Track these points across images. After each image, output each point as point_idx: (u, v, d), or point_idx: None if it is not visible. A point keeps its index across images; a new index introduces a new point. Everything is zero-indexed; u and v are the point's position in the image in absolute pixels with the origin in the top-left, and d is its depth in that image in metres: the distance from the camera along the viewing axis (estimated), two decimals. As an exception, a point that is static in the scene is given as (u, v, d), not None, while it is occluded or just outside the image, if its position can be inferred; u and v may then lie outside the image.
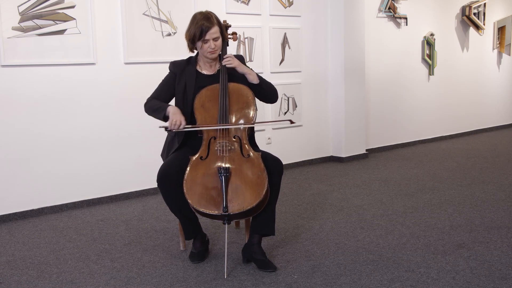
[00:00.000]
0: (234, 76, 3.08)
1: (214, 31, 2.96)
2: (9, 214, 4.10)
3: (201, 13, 3.02)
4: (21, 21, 4.02)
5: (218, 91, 3.00)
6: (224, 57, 3.05)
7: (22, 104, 4.11)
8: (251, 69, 3.11)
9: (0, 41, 3.94)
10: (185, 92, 3.06)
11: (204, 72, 3.12)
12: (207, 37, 2.95)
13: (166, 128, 2.92)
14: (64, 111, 4.30)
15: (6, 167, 4.08)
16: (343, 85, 6.03)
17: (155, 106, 3.02)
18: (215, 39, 2.97)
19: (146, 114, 3.11)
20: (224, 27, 3.09)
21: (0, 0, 3.93)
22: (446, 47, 7.65)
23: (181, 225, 3.15)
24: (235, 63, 3.04)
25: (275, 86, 3.20)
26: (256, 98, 3.08)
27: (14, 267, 3.10)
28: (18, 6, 4.00)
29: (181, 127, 2.89)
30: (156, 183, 2.93)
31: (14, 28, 4.00)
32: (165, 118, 2.95)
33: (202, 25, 2.93)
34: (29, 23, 4.06)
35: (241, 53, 5.30)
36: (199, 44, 3.00)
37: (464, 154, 6.49)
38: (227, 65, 3.03)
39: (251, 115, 3.00)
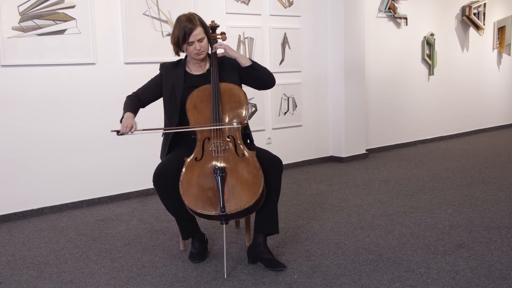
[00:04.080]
0: (225, 75, 3.08)
1: (198, 33, 2.95)
2: (9, 214, 4.10)
3: (183, 15, 3.01)
4: (21, 21, 4.02)
5: (209, 92, 3.00)
6: (214, 45, 3.08)
7: (22, 104, 4.11)
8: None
9: (0, 41, 3.94)
10: (173, 93, 3.06)
11: (194, 72, 3.12)
12: (191, 39, 2.94)
13: (117, 132, 2.89)
14: (64, 111, 4.30)
15: (6, 167, 4.08)
16: (343, 85, 6.04)
17: (124, 106, 3.04)
18: (199, 40, 2.97)
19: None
20: (208, 27, 3.08)
21: (0, 0, 3.93)
22: (446, 47, 7.65)
23: (178, 225, 3.15)
24: (224, 46, 3.07)
25: (275, 87, 3.20)
26: (255, 88, 3.12)
27: (14, 267, 3.10)
28: (18, 6, 4.00)
29: (132, 130, 2.87)
30: (152, 183, 2.93)
31: (14, 28, 4.00)
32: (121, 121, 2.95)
33: (185, 27, 2.92)
34: (29, 23, 4.06)
35: (241, 53, 5.30)
36: (184, 47, 3.00)
37: (464, 154, 6.49)
38: (215, 49, 3.06)
39: (243, 114, 3.00)
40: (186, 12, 3.12)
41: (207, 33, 3.02)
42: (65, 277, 2.92)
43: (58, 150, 4.30)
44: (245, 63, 3.07)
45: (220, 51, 3.10)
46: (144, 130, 2.94)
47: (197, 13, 3.09)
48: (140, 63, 4.63)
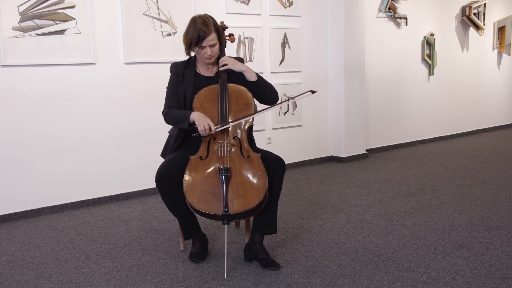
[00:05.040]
0: (233, 77, 3.08)
1: (211, 38, 2.94)
2: (9, 214, 4.10)
3: (199, 17, 2.98)
4: (21, 21, 4.02)
5: (217, 92, 3.00)
6: (219, 61, 3.05)
7: (22, 104, 4.11)
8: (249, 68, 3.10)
9: (0, 41, 3.94)
10: (184, 93, 3.06)
11: (203, 73, 3.12)
12: (203, 44, 2.93)
13: (200, 135, 2.90)
14: (64, 111, 4.30)
15: (6, 167, 4.08)
16: (343, 85, 6.03)
17: (176, 116, 2.97)
18: (211, 46, 2.96)
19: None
20: (222, 32, 3.06)
21: (0, 0, 3.93)
22: (446, 47, 7.64)
23: (180, 225, 3.15)
24: (230, 63, 3.03)
25: (275, 86, 3.19)
26: (255, 100, 3.08)
27: (14, 267, 3.10)
28: (18, 6, 4.00)
29: (213, 130, 2.88)
30: (155, 183, 2.93)
31: (14, 28, 4.00)
32: (190, 125, 2.92)
33: (200, 31, 2.91)
34: (29, 23, 4.06)
35: (241, 53, 5.30)
36: (196, 49, 2.99)
37: (464, 154, 6.49)
38: (220, 69, 3.04)
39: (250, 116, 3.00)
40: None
41: (220, 38, 3.00)
42: (65, 277, 2.92)
43: (58, 150, 4.30)
44: (251, 77, 3.04)
45: (225, 68, 3.04)
46: (222, 126, 2.90)
47: (212, 16, 3.04)
48: (140, 63, 4.63)
